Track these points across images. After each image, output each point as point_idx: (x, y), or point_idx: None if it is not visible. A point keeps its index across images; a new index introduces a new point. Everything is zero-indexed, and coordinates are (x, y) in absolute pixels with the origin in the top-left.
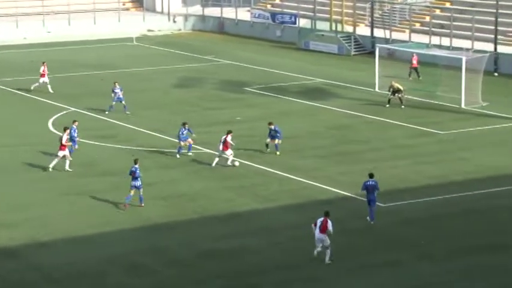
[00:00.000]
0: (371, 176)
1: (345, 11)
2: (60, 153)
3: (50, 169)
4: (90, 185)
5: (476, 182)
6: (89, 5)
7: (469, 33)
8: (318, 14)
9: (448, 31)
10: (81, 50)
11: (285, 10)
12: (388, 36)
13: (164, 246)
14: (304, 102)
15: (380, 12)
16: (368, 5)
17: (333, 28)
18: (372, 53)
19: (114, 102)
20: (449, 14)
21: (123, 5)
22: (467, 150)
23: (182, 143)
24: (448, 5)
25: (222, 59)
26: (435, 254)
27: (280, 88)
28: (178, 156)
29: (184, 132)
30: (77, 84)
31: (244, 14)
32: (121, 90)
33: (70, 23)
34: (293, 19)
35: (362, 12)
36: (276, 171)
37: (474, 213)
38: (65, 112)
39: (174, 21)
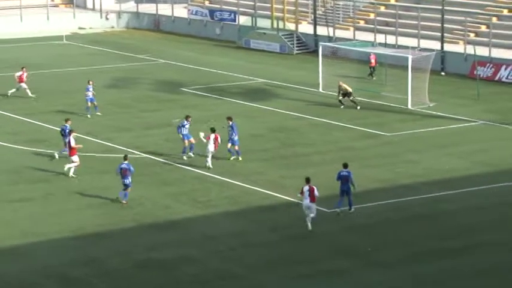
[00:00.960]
0: (345, 165)
1: (286, 7)
2: (74, 158)
3: (72, 175)
4: (20, 192)
5: (425, 186)
6: (15, 1)
7: (415, 31)
8: (258, 11)
9: (393, 29)
10: (6, 49)
11: (224, 7)
12: (331, 34)
13: (99, 256)
14: (246, 103)
15: (323, 9)
16: (310, 2)
17: (275, 26)
18: (315, 52)
19: (89, 103)
20: (394, 11)
21: (52, 1)
22: (415, 153)
23: (186, 142)
24: (392, 1)
25: (157, 58)
26: (383, 261)
27: (220, 89)
28: (185, 158)
29: (186, 127)
30: (1, 85)
31: (181, 11)
32: (90, 90)
33: None
34: (233, 16)
35: (304, 9)
36: (216, 176)
37: (423, 218)
38: None
39: (107, 19)
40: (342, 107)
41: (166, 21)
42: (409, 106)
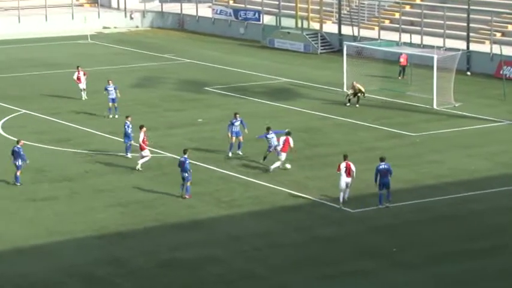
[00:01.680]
0: (382, 159)
1: (311, 7)
2: (144, 153)
3: (140, 168)
4: (45, 191)
5: (450, 186)
6: (41, 0)
7: (441, 30)
8: (283, 11)
9: (419, 28)
10: (31, 48)
11: (248, 6)
12: (356, 34)
13: (123, 256)
14: (270, 103)
15: (348, 8)
16: (335, 1)
17: (299, 25)
18: (340, 51)
19: (110, 104)
20: (419, 11)
21: (77, 0)
22: (440, 153)
23: (234, 139)
24: (418, 1)
25: (182, 58)
26: (409, 261)
27: (244, 88)
28: (230, 154)
29: (236, 124)
30: (27, 84)
31: (205, 11)
32: (115, 89)
33: (20, 20)
34: (257, 16)
35: (329, 9)
36: (240, 176)
37: (448, 218)
38: (15, 115)
39: (131, 18)
40: (348, 104)
41: (191, 21)
42: (435, 106)
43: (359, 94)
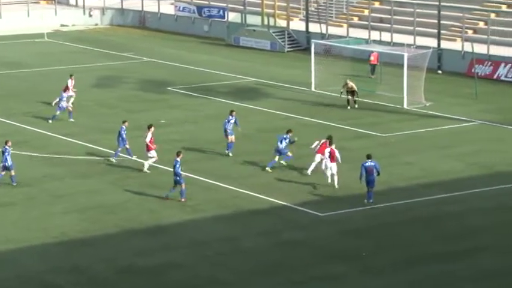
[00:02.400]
0: (368, 157)
1: (277, 4)
2: (151, 154)
3: (146, 171)
4: (1, 197)
5: (422, 188)
6: None
7: (411, 27)
8: (248, 8)
9: (388, 25)
10: None
11: (212, 3)
12: (324, 31)
13: (82, 263)
14: (235, 103)
15: (315, 5)
16: None
17: (265, 23)
18: (308, 50)
19: (60, 106)
20: (389, 7)
21: None
22: (412, 154)
23: (229, 138)
24: None
25: (143, 57)
26: (380, 266)
27: (208, 88)
28: (230, 154)
29: (231, 122)
30: None
31: (167, 7)
32: (63, 99)
33: None
34: (221, 13)
35: (296, 6)
36: (204, 179)
37: (420, 221)
38: None
39: (90, 15)
40: (349, 107)
41: (152, 18)
42: (405, 106)
43: (354, 96)
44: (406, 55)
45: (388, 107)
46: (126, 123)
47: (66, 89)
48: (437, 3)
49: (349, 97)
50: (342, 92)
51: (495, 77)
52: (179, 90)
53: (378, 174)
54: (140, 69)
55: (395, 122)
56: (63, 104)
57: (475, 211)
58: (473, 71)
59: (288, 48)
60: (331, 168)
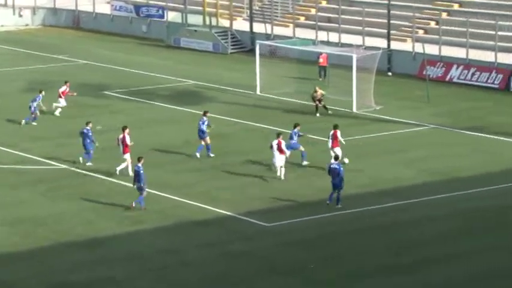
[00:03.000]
0: (336, 158)
1: (220, 2)
2: (126, 156)
3: (117, 172)
4: None
5: (372, 196)
6: None
7: (360, 27)
8: (189, 7)
9: (336, 25)
10: None
11: (151, 2)
12: (269, 32)
13: (11, 279)
14: (176, 107)
15: (259, 4)
16: None
17: (207, 22)
18: (252, 51)
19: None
20: (336, 6)
21: None
22: (360, 161)
23: (206, 140)
24: None
25: (77, 59)
26: (325, 279)
27: (147, 92)
28: (198, 155)
29: (205, 124)
30: None
31: (103, 7)
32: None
33: None
34: (161, 12)
35: (239, 5)
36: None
37: (370, 231)
38: None
39: (20, 15)
40: (318, 115)
41: (87, 18)
42: (354, 109)
43: (322, 103)
44: (355, 56)
45: (337, 111)
46: (90, 124)
47: (62, 94)
48: (386, 2)
49: (318, 103)
50: (317, 106)
51: (447, 79)
52: (117, 94)
53: (341, 179)
54: (75, 72)
55: (345, 126)
56: (34, 104)
57: (427, 220)
58: (424, 73)
59: (231, 49)
60: (280, 160)
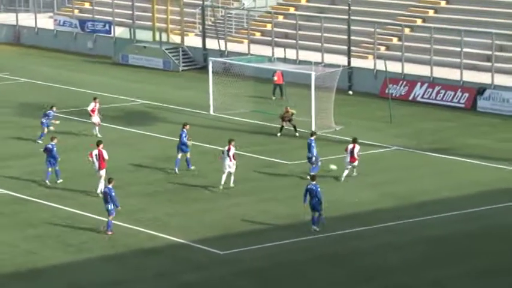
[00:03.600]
0: (312, 178)
1: (170, 17)
2: (102, 172)
3: (100, 194)
4: None
5: (332, 221)
6: None
7: (318, 44)
8: (137, 22)
9: (294, 41)
10: None
11: (96, 16)
12: (223, 48)
13: None
14: (124, 128)
15: (212, 19)
16: (198, 11)
17: (157, 38)
18: (205, 68)
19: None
20: (294, 21)
21: None
22: (321, 184)
23: (180, 155)
24: (292, 10)
25: (18, 77)
26: None
27: None
28: (177, 171)
29: (186, 137)
30: None
31: (45, 21)
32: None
33: None
34: (107, 27)
35: (191, 19)
36: (89, 215)
37: (329, 258)
38: None
39: None
40: (279, 135)
41: (29, 33)
42: (313, 130)
43: (291, 122)
44: (313, 74)
45: (293, 132)
46: (56, 140)
47: (92, 112)
48: (346, 17)
49: (284, 124)
50: (282, 126)
51: (411, 98)
52: (60, 115)
53: (319, 200)
54: (16, 91)
55: (303, 148)
56: (44, 121)
57: (390, 247)
58: (386, 91)
59: (183, 66)
60: (229, 166)
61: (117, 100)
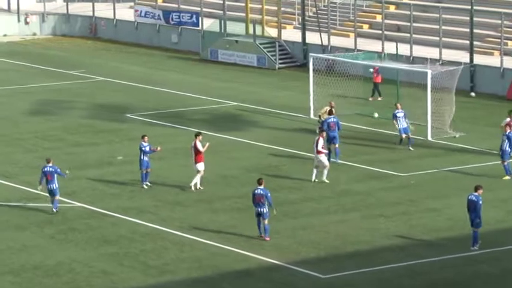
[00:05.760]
0: (476, 188)
1: (266, 7)
2: (200, 166)
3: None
4: None
5: (452, 243)
6: None
7: (436, 38)
8: (228, 12)
9: (407, 35)
10: None
11: (182, 7)
12: (326, 43)
13: None
14: (213, 134)
15: (314, 9)
16: (298, 0)
17: (251, 32)
18: (305, 66)
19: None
20: (407, 12)
21: None
22: (438, 199)
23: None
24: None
25: (95, 75)
26: None
27: (178, 115)
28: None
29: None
30: None
31: (125, 12)
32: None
33: None
34: (194, 19)
35: (290, 10)
36: (174, 232)
37: (450, 286)
38: None
39: (27, 23)
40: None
41: (107, 26)
42: (429, 137)
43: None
44: (429, 73)
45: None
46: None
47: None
48: (468, 7)
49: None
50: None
51: None
52: (141, 118)
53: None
54: (91, 91)
55: (417, 158)
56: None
57: None
58: None
59: (280, 64)
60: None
61: (205, 102)
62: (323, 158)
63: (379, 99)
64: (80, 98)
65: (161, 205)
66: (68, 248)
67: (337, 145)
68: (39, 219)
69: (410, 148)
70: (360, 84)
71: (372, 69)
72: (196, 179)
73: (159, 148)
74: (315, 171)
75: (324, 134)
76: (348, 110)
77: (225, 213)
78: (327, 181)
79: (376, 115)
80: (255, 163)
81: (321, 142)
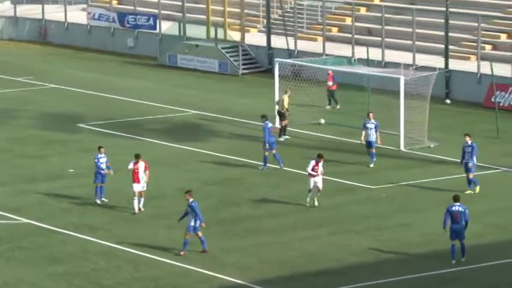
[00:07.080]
0: (455, 199)
1: (228, 9)
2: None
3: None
4: None
5: (424, 259)
6: None
7: (409, 42)
8: (188, 15)
9: (379, 39)
10: None
11: (139, 9)
12: (292, 47)
13: None
14: (170, 144)
15: (280, 11)
16: (262, 2)
17: (212, 35)
18: (270, 71)
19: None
20: (379, 14)
21: None
22: (410, 213)
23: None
24: (377, 1)
25: (44, 82)
26: None
27: (134, 124)
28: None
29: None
30: None
31: (77, 15)
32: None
33: None
34: (152, 22)
35: (254, 12)
36: (128, 250)
37: None
38: None
39: None
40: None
41: (57, 30)
42: (402, 147)
43: (281, 119)
44: (402, 79)
45: (379, 149)
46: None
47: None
48: (443, 8)
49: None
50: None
51: None
52: (94, 128)
53: (466, 224)
54: (41, 99)
55: (389, 169)
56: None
57: None
58: (492, 100)
59: (243, 69)
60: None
61: (164, 110)
62: (317, 179)
63: (338, 107)
64: (27, 107)
65: (115, 221)
66: (14, 267)
67: (274, 151)
68: None
69: (371, 165)
70: (327, 91)
71: (329, 72)
72: (136, 202)
73: (111, 172)
74: (309, 194)
75: (321, 158)
76: (316, 119)
77: (182, 229)
78: (316, 204)
79: (322, 121)
80: (215, 175)
81: (311, 164)
